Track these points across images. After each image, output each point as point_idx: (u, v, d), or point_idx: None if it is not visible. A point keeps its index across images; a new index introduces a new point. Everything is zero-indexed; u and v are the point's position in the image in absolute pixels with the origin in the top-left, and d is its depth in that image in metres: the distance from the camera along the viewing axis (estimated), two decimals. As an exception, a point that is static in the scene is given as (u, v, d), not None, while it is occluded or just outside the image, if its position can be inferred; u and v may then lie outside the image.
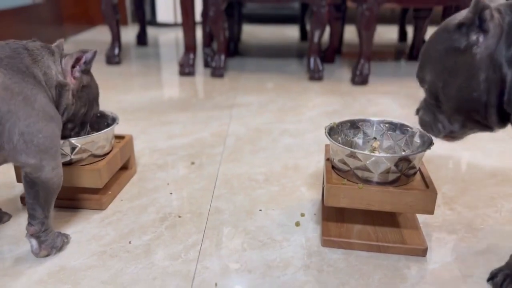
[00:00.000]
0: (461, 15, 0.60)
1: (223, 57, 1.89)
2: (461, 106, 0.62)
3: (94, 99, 0.84)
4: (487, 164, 1.06)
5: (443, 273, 0.68)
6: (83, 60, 0.78)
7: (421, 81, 0.67)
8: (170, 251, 0.73)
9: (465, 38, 0.58)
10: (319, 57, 1.86)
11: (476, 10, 0.56)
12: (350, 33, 2.68)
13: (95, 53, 0.80)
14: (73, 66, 0.77)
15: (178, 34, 2.97)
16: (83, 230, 0.79)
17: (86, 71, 0.80)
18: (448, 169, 1.04)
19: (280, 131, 1.27)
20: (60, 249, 0.72)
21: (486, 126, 0.62)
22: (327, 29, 2.16)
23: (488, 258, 0.72)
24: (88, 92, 0.82)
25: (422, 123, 0.70)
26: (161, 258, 0.71)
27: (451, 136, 0.67)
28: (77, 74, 0.78)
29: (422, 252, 0.72)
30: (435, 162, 1.06)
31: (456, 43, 0.59)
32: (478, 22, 0.56)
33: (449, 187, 0.95)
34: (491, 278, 0.66)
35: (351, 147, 0.81)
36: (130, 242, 0.75)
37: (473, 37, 0.57)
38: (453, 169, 1.04)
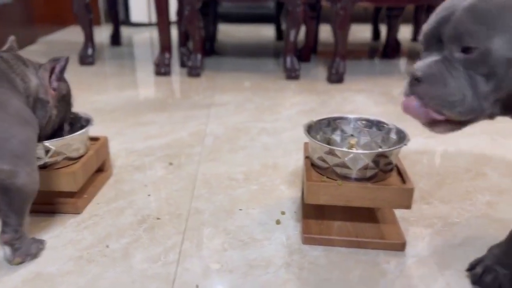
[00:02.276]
0: None
1: (199, 56, 1.88)
2: None
3: (69, 101, 0.83)
4: (461, 158, 1.09)
5: (422, 267, 0.70)
6: (57, 69, 0.78)
7: (465, 39, 0.51)
8: (149, 254, 0.72)
9: None
10: (296, 56, 1.87)
11: None
12: (325, 32, 2.71)
13: (67, 59, 0.80)
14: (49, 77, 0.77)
15: (152, 34, 2.93)
16: (59, 235, 0.77)
17: (62, 79, 0.80)
18: (423, 165, 1.06)
19: (259, 130, 1.27)
20: (35, 256, 0.70)
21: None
22: (303, 28, 2.17)
23: (465, 250, 0.74)
24: (66, 99, 0.82)
25: (444, 94, 0.53)
26: (140, 261, 0.70)
27: (481, 115, 0.54)
28: (54, 85, 0.78)
29: (400, 246, 0.74)
30: (410, 158, 1.08)
31: None
32: None
33: (425, 182, 0.97)
34: (470, 269, 0.67)
35: (329, 144, 0.82)
36: (107, 246, 0.74)
37: None
38: (428, 164, 1.06)
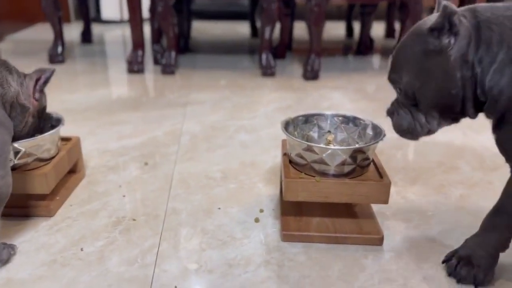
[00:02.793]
0: (431, 19, 0.64)
1: (173, 53, 1.85)
2: (440, 103, 0.65)
3: (44, 112, 0.84)
4: (434, 153, 1.11)
5: (399, 261, 0.70)
6: (42, 80, 0.78)
7: (395, 82, 0.68)
8: (125, 256, 0.70)
9: (438, 41, 0.61)
10: (271, 53, 1.87)
11: (445, 15, 0.59)
12: (299, 29, 2.72)
13: (53, 71, 0.80)
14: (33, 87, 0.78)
15: (124, 31, 2.88)
16: (31, 239, 0.74)
17: (43, 90, 0.81)
18: (398, 160, 1.07)
19: (236, 128, 1.26)
20: (6, 261, 0.67)
21: (457, 119, 0.68)
22: (277, 25, 2.17)
23: (441, 243, 0.75)
24: (43, 110, 0.82)
25: (400, 128, 0.70)
26: (116, 264, 0.68)
27: (429, 135, 0.69)
28: (37, 95, 0.78)
29: (378, 241, 0.74)
30: (386, 153, 1.09)
31: (431, 46, 0.62)
32: (448, 26, 0.60)
33: (400, 177, 0.98)
34: (446, 260, 0.69)
35: (306, 141, 0.82)
36: (82, 249, 0.72)
37: (445, 40, 0.61)
38: (403, 159, 1.08)
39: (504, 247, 0.65)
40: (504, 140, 0.64)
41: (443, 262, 0.69)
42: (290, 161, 0.77)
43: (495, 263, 0.66)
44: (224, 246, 0.73)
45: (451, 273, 0.67)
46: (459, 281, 0.66)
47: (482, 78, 0.61)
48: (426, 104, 0.66)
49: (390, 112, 0.72)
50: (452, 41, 0.61)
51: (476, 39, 0.61)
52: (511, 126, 0.61)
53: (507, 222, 0.64)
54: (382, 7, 2.51)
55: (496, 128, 0.64)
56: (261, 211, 0.84)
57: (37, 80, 0.78)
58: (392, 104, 0.72)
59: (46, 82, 0.79)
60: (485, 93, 0.62)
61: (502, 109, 0.61)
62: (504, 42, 0.59)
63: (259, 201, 0.87)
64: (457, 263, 0.67)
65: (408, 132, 0.70)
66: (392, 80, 0.69)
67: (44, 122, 0.85)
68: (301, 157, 0.73)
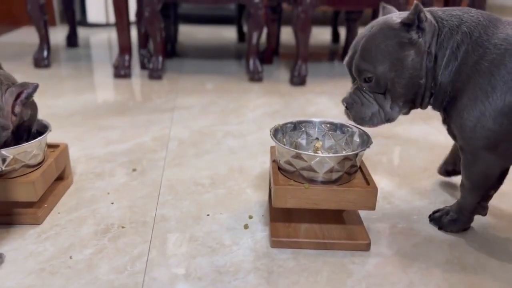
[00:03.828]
0: (398, 15, 0.73)
1: (160, 58, 1.85)
2: (410, 91, 0.74)
3: (33, 119, 0.83)
4: (419, 158, 1.13)
5: (386, 266, 0.72)
6: (23, 96, 0.76)
7: (364, 71, 0.73)
8: (114, 264, 0.70)
9: (409, 35, 0.71)
10: (258, 58, 1.88)
11: (415, 12, 0.69)
12: (286, 34, 2.74)
13: (36, 87, 0.77)
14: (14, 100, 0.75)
15: (111, 35, 2.86)
16: (19, 247, 0.73)
17: (26, 104, 0.78)
18: (384, 165, 1.09)
19: (224, 133, 1.27)
20: (-8, 270, 0.67)
21: (411, 108, 0.77)
22: (264, 31, 2.19)
23: (427, 248, 0.77)
24: (29, 122, 0.81)
25: (363, 116, 0.76)
26: (105, 272, 0.68)
27: (389, 122, 0.77)
28: (17, 109, 0.76)
29: (365, 246, 0.75)
30: (371, 159, 1.11)
31: (405, 39, 0.71)
32: (417, 22, 0.70)
33: (386, 183, 1.00)
34: (432, 218, 0.84)
35: (295, 148, 0.83)
36: (71, 257, 0.71)
37: (414, 34, 0.70)
38: (389, 165, 1.09)
39: (474, 210, 0.80)
40: (449, 128, 0.76)
41: (430, 220, 0.84)
42: (279, 168, 0.78)
43: (470, 221, 0.81)
44: (214, 253, 0.74)
45: (435, 222, 0.83)
46: (440, 228, 0.82)
47: (436, 71, 0.72)
48: (397, 92, 0.73)
49: (351, 102, 0.77)
50: (420, 35, 0.70)
51: (437, 35, 0.72)
52: (452, 117, 0.73)
53: (468, 191, 0.77)
54: (367, 13, 2.54)
55: (445, 121, 0.77)
56: (250, 217, 0.84)
57: (19, 95, 0.75)
58: (353, 93, 0.77)
59: (27, 97, 0.76)
60: (436, 85, 0.73)
61: (445, 103, 0.74)
62: (452, 39, 0.71)
63: (248, 207, 0.88)
64: (441, 215, 0.83)
65: (370, 120, 0.76)
66: (362, 69, 0.73)
67: (29, 134, 0.83)
68: (290, 164, 0.74)
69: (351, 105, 0.76)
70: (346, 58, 0.77)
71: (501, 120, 0.67)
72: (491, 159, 0.71)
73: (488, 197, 0.81)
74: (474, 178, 0.75)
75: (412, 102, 0.76)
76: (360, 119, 0.77)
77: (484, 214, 0.82)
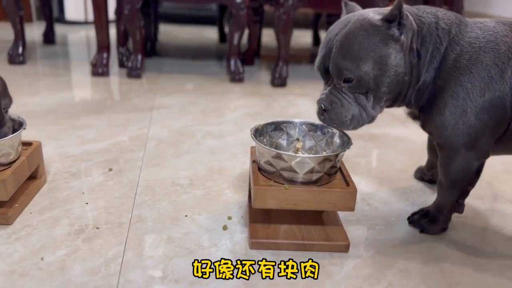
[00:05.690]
0: (374, 11, 0.72)
1: (140, 57, 1.82)
2: (394, 89, 0.72)
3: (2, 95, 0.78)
4: (397, 161, 1.14)
5: (365, 267, 0.72)
6: None
7: (345, 70, 0.70)
8: (88, 266, 0.68)
9: (390, 31, 0.69)
10: (239, 59, 1.87)
11: (398, 8, 0.68)
12: (267, 36, 2.74)
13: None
14: None
15: (89, 33, 2.81)
16: (-14, 249, 0.70)
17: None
18: (363, 167, 1.09)
19: (203, 134, 1.25)
20: (-43, 272, 0.64)
21: (391, 106, 0.77)
22: (246, 32, 2.18)
23: (405, 250, 0.77)
24: None
25: (343, 119, 0.73)
26: (78, 274, 0.66)
27: (370, 123, 0.75)
28: None
29: (344, 248, 0.75)
30: (351, 161, 1.11)
31: (388, 35, 0.69)
32: (399, 18, 0.69)
33: (365, 184, 1.00)
34: (411, 217, 0.84)
35: (275, 148, 0.82)
36: (42, 259, 0.69)
37: (396, 31, 0.69)
38: (368, 167, 1.10)
39: (453, 209, 0.81)
40: (427, 126, 0.76)
41: (409, 223, 0.84)
42: (259, 169, 0.77)
43: (448, 220, 0.81)
44: (191, 254, 0.72)
45: (415, 224, 0.83)
46: (422, 231, 0.81)
47: (420, 67, 0.72)
48: (380, 91, 0.71)
49: (329, 103, 0.73)
50: (402, 31, 0.69)
51: (417, 30, 0.71)
52: (432, 115, 0.73)
53: (447, 189, 0.77)
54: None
55: (421, 117, 0.76)
56: (229, 218, 0.83)
57: None
58: (330, 93, 0.73)
59: None
60: (419, 81, 0.73)
61: (424, 101, 0.74)
62: (433, 35, 0.71)
63: (227, 208, 0.87)
64: (420, 217, 0.83)
65: (351, 123, 0.73)
66: (343, 68, 0.70)
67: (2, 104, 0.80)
68: (270, 164, 0.73)
69: (329, 107, 0.73)
70: (318, 59, 0.74)
71: (481, 115, 0.68)
72: (470, 155, 0.72)
73: (466, 193, 0.83)
74: (452, 175, 0.75)
75: (394, 100, 0.75)
76: (340, 123, 0.74)
77: (461, 212, 0.83)
